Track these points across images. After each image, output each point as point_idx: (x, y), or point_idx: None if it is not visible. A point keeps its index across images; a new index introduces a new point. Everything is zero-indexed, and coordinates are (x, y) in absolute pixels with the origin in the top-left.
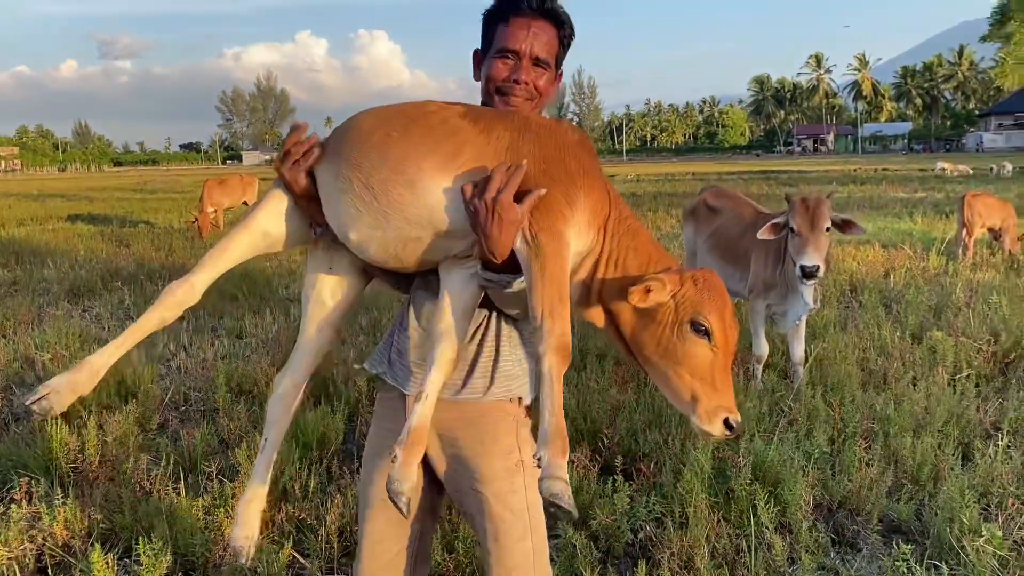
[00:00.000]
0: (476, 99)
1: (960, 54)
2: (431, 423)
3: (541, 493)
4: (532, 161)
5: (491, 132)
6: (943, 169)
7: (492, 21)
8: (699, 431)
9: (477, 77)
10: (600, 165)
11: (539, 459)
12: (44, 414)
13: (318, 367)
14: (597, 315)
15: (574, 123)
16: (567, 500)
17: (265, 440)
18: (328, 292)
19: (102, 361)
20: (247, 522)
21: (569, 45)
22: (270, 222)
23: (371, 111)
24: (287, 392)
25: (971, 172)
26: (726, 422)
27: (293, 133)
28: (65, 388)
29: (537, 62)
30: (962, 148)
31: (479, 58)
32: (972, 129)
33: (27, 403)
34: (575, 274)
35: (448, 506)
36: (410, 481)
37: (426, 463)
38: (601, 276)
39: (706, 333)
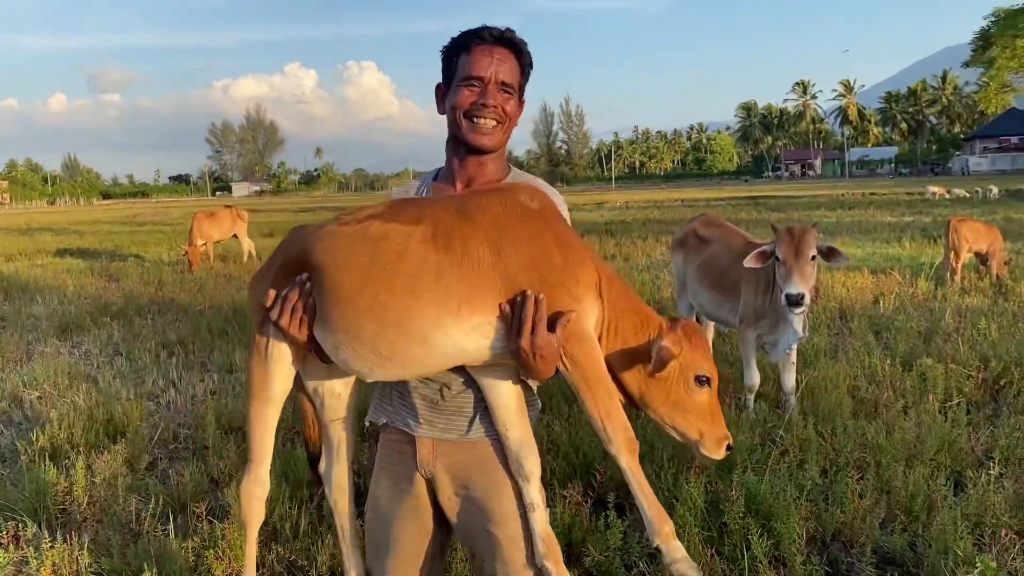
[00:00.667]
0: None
1: (944, 79)
2: (444, 467)
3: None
4: (524, 273)
5: (470, 255)
6: (933, 193)
7: (453, 53)
8: (706, 459)
9: (441, 111)
10: (566, 222)
11: (657, 548)
12: None
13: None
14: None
15: (534, 178)
16: (695, 573)
17: (342, 528)
18: (340, 386)
19: None
20: None
21: (529, 74)
22: (283, 384)
23: (332, 246)
24: (339, 481)
25: (967, 195)
26: (728, 447)
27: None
28: None
29: (503, 86)
30: (949, 172)
31: (442, 92)
32: (958, 153)
33: None
34: None
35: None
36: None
37: (436, 506)
38: (604, 344)
39: (707, 382)
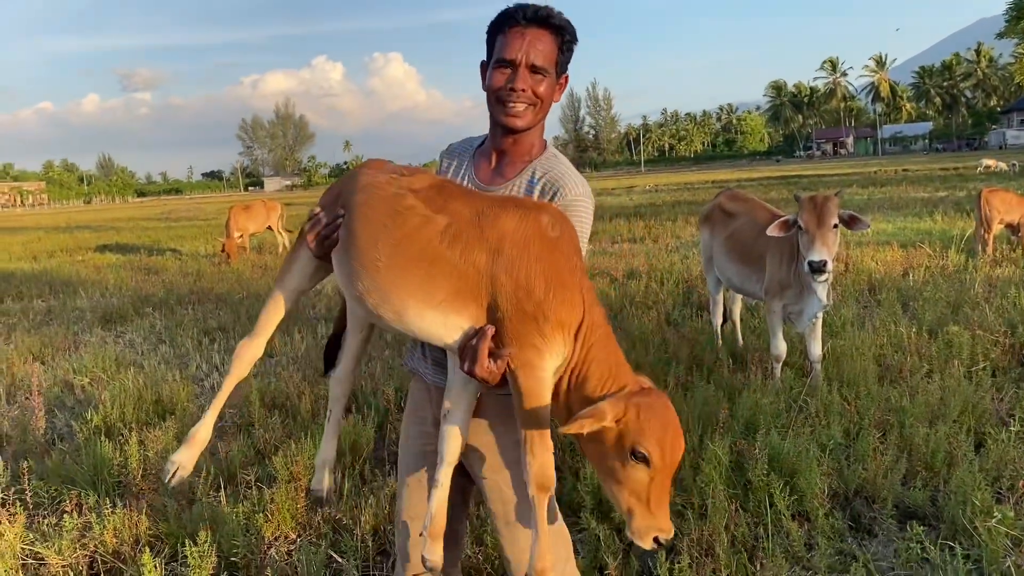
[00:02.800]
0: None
1: (978, 52)
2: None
3: None
4: (503, 293)
5: (469, 256)
6: (987, 167)
7: (493, 33)
8: (633, 541)
9: (484, 87)
10: (581, 258)
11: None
12: (180, 482)
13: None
14: (560, 414)
15: (562, 206)
16: None
17: (330, 412)
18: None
19: (205, 429)
20: (321, 478)
21: (571, 50)
22: (299, 281)
23: (366, 200)
24: (343, 372)
25: (1004, 168)
26: (656, 539)
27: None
28: (186, 459)
29: (534, 69)
30: (985, 146)
31: (485, 69)
32: (995, 126)
33: (166, 482)
34: None
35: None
36: (437, 556)
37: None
38: (564, 386)
39: (644, 460)
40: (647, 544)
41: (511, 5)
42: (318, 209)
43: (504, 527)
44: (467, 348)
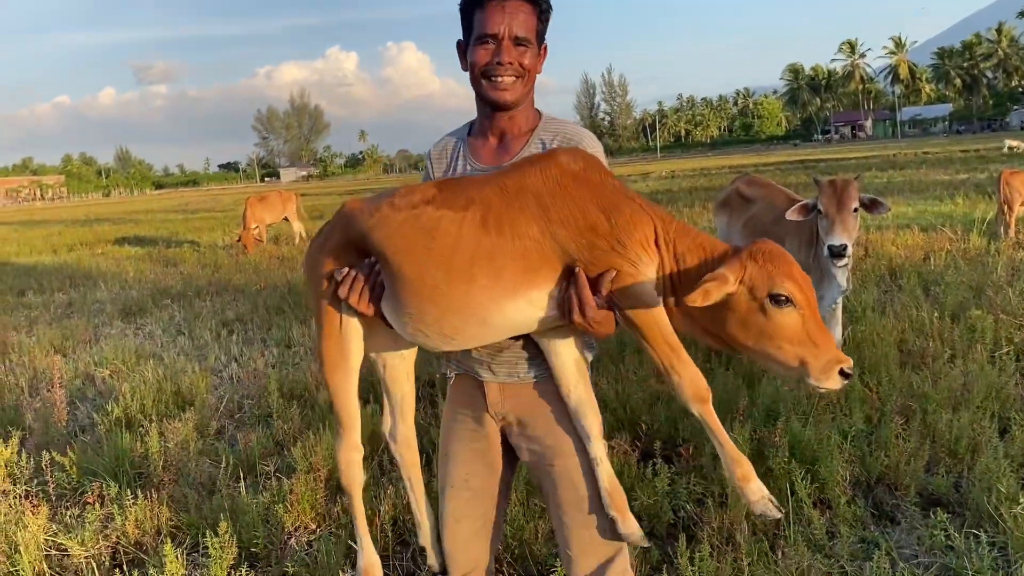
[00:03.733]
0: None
1: (999, 31)
2: (512, 410)
3: (755, 515)
4: (573, 243)
5: (520, 236)
6: (1012, 148)
7: (469, 9)
8: (817, 390)
9: (465, 67)
10: (613, 177)
11: (736, 489)
12: None
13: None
14: (683, 325)
15: (576, 138)
16: (775, 510)
17: (410, 480)
18: (398, 354)
19: (369, 554)
20: (435, 557)
21: (548, 19)
22: (358, 354)
23: (388, 235)
24: (405, 437)
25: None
26: (841, 372)
27: (358, 270)
28: None
29: (517, 41)
30: (1006, 127)
31: (463, 48)
32: (1016, 107)
33: None
34: None
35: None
36: (634, 527)
37: (506, 444)
38: (672, 289)
39: (788, 300)
40: (836, 382)
41: None
42: (345, 270)
43: (577, 514)
44: (567, 300)
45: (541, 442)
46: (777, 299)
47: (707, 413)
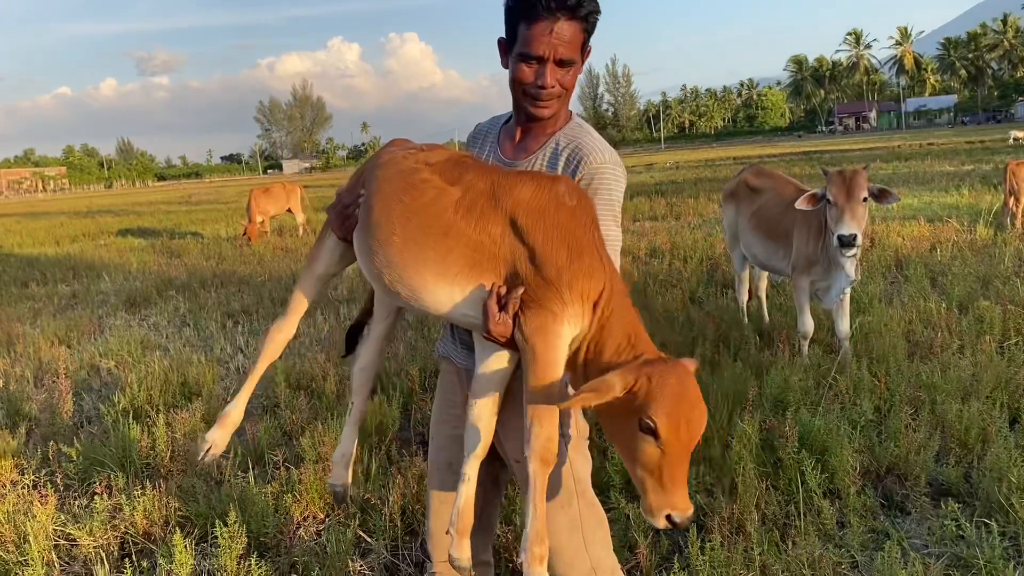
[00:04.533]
0: (507, 91)
1: (1004, 22)
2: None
3: None
4: (523, 261)
5: (484, 227)
6: (1017, 138)
7: (515, 16)
8: (645, 518)
9: (505, 64)
10: (597, 227)
11: (521, 563)
12: (213, 460)
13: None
14: (577, 385)
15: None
16: None
17: (352, 404)
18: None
19: (237, 409)
20: (338, 473)
21: (594, 26)
22: (326, 265)
23: (383, 176)
24: (366, 359)
25: None
26: (668, 518)
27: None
28: (219, 438)
29: (561, 63)
30: (1012, 118)
31: (505, 47)
32: (1021, 98)
33: (199, 459)
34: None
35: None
36: (465, 554)
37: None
38: (581, 358)
39: (652, 432)
40: (660, 523)
41: None
42: (342, 189)
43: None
44: (483, 309)
45: (516, 434)
46: (643, 426)
47: (542, 477)
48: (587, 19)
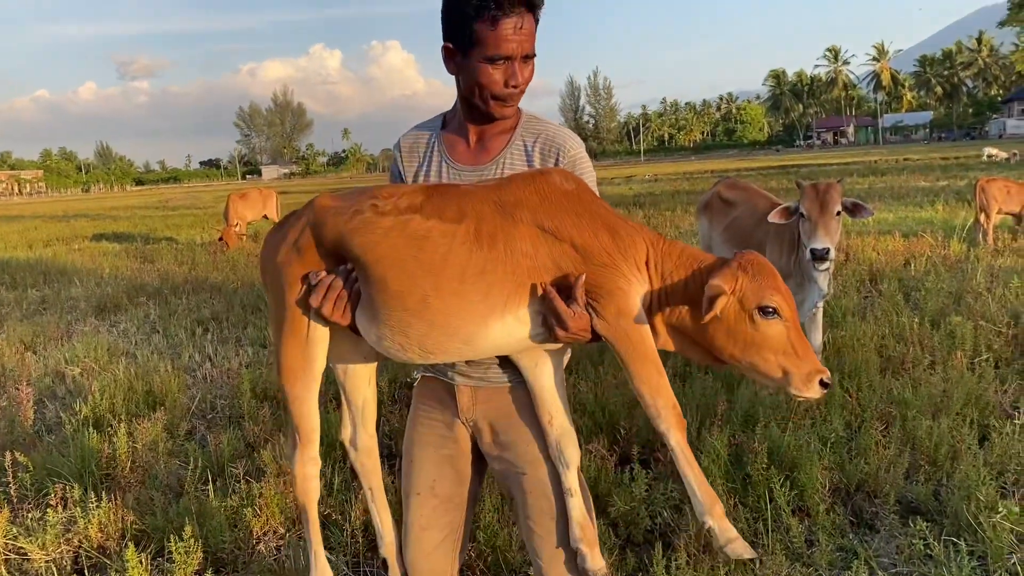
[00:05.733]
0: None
1: (979, 40)
2: (484, 415)
3: (729, 557)
4: (566, 257)
5: (514, 251)
6: (991, 155)
7: (470, 17)
8: (798, 398)
9: (452, 71)
10: (599, 198)
11: (708, 529)
12: None
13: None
14: (668, 342)
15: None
16: (749, 552)
17: (371, 489)
18: (361, 358)
19: (323, 569)
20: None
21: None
22: (323, 362)
23: (375, 241)
24: (366, 445)
25: (1001, 157)
26: (821, 382)
27: (333, 278)
28: None
29: (526, 57)
30: (986, 135)
31: (453, 53)
32: (995, 115)
33: None
34: None
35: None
36: (601, 562)
37: (476, 452)
38: (660, 307)
39: (775, 312)
40: (816, 391)
41: None
42: (322, 274)
43: (550, 522)
44: (547, 314)
45: (513, 449)
46: (765, 311)
47: (684, 444)
48: (536, 9)
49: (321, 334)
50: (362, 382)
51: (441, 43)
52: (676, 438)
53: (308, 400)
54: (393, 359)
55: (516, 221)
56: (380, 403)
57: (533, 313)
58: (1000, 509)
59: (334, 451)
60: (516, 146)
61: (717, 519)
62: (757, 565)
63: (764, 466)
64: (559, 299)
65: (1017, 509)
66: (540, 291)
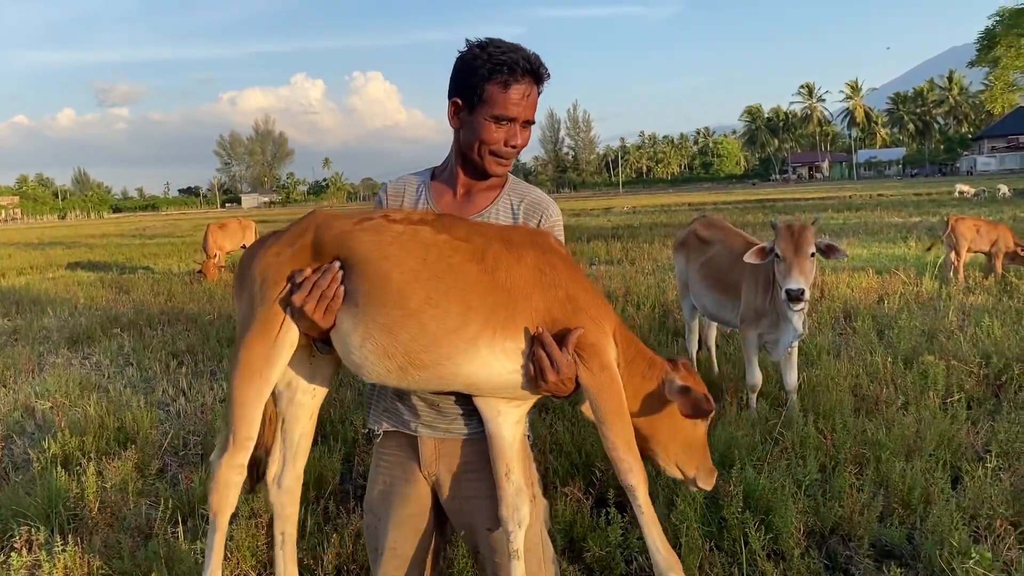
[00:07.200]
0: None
1: (950, 79)
2: (447, 468)
3: None
4: (558, 306)
5: (514, 284)
6: (962, 192)
7: (483, 78)
8: (701, 491)
9: (455, 125)
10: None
11: None
12: None
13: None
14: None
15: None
16: None
17: (283, 535)
18: (311, 389)
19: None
20: None
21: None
22: (282, 367)
23: (388, 241)
24: (290, 486)
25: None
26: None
27: (321, 275)
28: None
29: (526, 123)
30: (956, 172)
31: (460, 107)
32: (966, 152)
33: None
34: None
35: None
36: None
37: (438, 506)
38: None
39: (707, 413)
40: (713, 484)
41: (491, 47)
42: (306, 271)
43: None
44: (538, 361)
45: (476, 503)
46: (703, 413)
47: (649, 501)
48: (543, 83)
49: (291, 339)
50: (304, 415)
51: (434, 90)
52: (643, 495)
53: (254, 407)
54: (365, 371)
55: (519, 259)
56: (356, 442)
57: (519, 351)
58: (973, 554)
59: (307, 492)
60: (503, 203)
61: None
62: None
63: (739, 509)
64: (554, 343)
65: (990, 555)
66: (533, 333)
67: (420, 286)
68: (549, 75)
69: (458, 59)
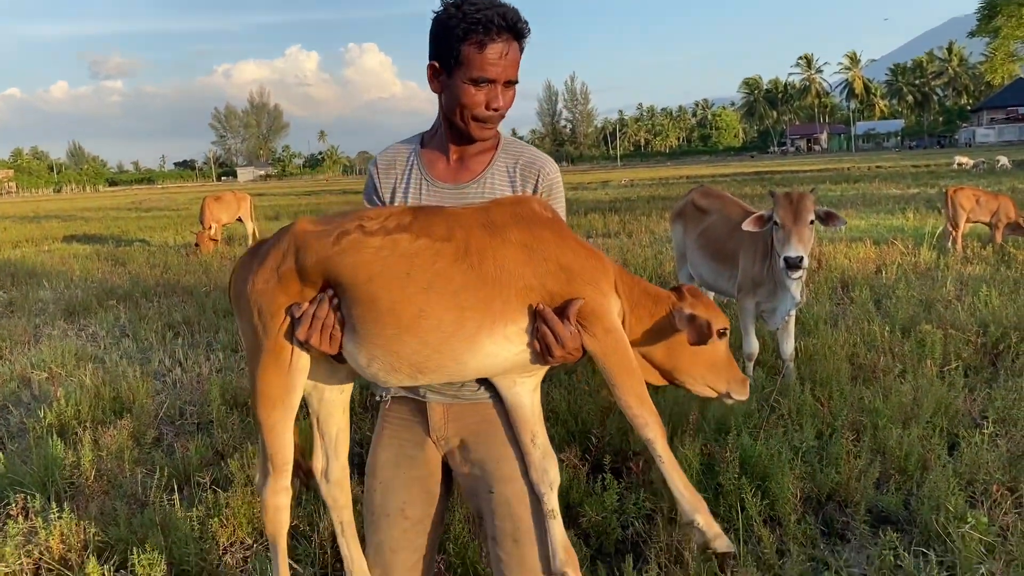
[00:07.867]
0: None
1: (950, 50)
2: (456, 432)
3: (716, 551)
4: (552, 278)
5: (503, 270)
6: (961, 164)
7: (458, 39)
8: (737, 402)
9: (436, 89)
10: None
11: (697, 527)
12: None
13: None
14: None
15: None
16: (732, 547)
17: (341, 523)
18: (337, 386)
19: None
20: None
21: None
22: (301, 391)
23: (367, 259)
24: (338, 478)
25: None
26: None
27: (317, 306)
28: None
29: (508, 83)
30: (955, 143)
31: (438, 71)
32: (965, 124)
33: None
34: None
35: None
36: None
37: (446, 470)
38: (629, 331)
39: (725, 332)
40: (747, 392)
41: (465, 4)
42: (304, 306)
43: (512, 546)
44: (542, 337)
45: (482, 466)
46: (721, 332)
47: (668, 450)
48: (524, 36)
49: (304, 363)
50: (336, 410)
51: (427, 61)
52: (662, 445)
53: (284, 430)
54: (380, 383)
55: (504, 240)
56: (352, 411)
57: (522, 332)
58: (969, 519)
59: (305, 458)
60: (498, 166)
61: (703, 517)
62: (729, 575)
63: (736, 475)
64: (556, 318)
65: (985, 519)
66: (533, 309)
67: (411, 302)
68: (529, 30)
69: (433, 20)
